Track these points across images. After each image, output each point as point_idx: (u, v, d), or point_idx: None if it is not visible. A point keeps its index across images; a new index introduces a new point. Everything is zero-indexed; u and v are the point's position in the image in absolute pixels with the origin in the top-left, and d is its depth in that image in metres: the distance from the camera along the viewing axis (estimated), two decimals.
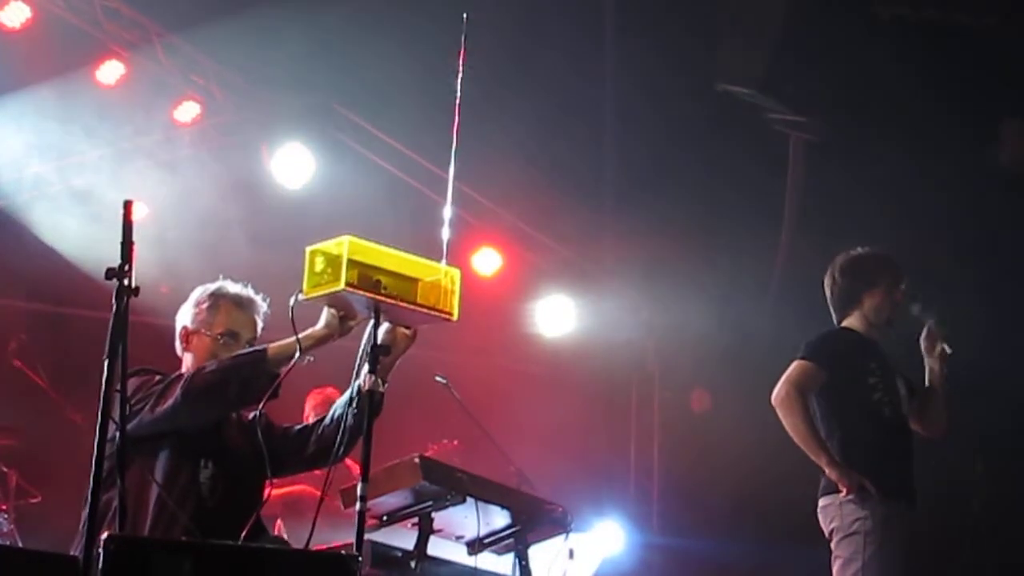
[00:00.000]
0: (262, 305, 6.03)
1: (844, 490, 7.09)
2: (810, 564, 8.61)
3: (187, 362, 5.93)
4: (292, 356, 5.33)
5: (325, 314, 5.39)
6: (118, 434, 5.15)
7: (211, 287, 6.01)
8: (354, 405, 5.43)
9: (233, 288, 6.00)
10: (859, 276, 7.55)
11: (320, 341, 5.39)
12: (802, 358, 7.35)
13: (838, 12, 9.75)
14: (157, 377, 5.62)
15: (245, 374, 5.42)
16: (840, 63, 9.87)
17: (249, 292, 6.06)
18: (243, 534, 5.32)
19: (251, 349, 5.63)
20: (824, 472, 7.20)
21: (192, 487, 5.61)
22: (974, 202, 10.20)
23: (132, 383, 5.53)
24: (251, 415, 5.69)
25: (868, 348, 7.41)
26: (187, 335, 5.96)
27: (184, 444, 5.65)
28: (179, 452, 5.64)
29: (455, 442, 10.46)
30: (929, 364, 7.55)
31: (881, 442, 7.23)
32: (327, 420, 5.80)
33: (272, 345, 5.50)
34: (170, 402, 5.46)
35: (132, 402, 5.45)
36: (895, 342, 7.60)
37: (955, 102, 9.81)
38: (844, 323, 7.55)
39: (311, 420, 6.24)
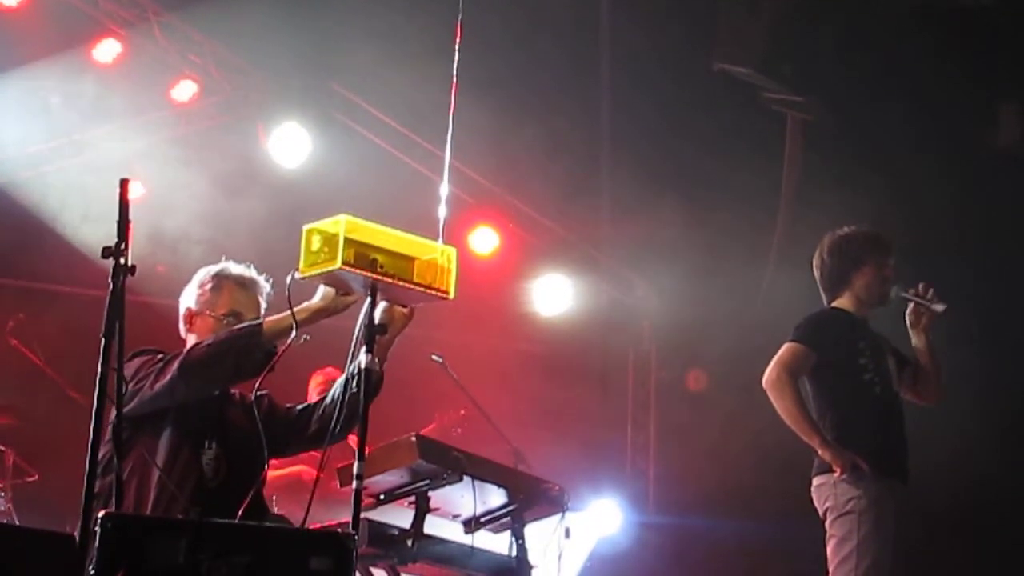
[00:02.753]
0: (265, 286, 6.07)
1: (837, 470, 7.12)
2: (805, 542, 8.64)
3: (191, 343, 5.94)
4: (288, 330, 5.35)
5: (321, 289, 5.41)
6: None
7: (214, 268, 6.04)
8: (352, 384, 5.44)
9: (236, 269, 6.02)
10: (847, 256, 7.59)
11: (316, 315, 5.42)
12: (792, 340, 7.41)
13: None
14: (159, 356, 5.65)
15: (241, 348, 5.46)
16: (838, 43, 9.87)
17: (252, 273, 6.10)
18: (242, 511, 5.34)
19: (247, 323, 5.66)
20: (817, 453, 7.24)
21: (194, 467, 5.64)
22: (972, 183, 10.21)
23: (135, 363, 5.59)
24: (253, 395, 5.71)
25: (857, 328, 7.44)
26: (191, 316, 5.98)
27: (187, 424, 5.68)
28: (181, 432, 5.67)
29: (461, 411, 10.44)
30: (914, 341, 7.56)
31: (873, 421, 7.26)
32: (327, 400, 5.83)
33: (268, 319, 5.53)
34: (168, 377, 5.49)
35: (134, 381, 5.51)
36: (883, 315, 7.62)
37: (953, 83, 9.81)
38: (835, 303, 7.58)
39: (313, 399, 6.24)
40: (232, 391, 6.00)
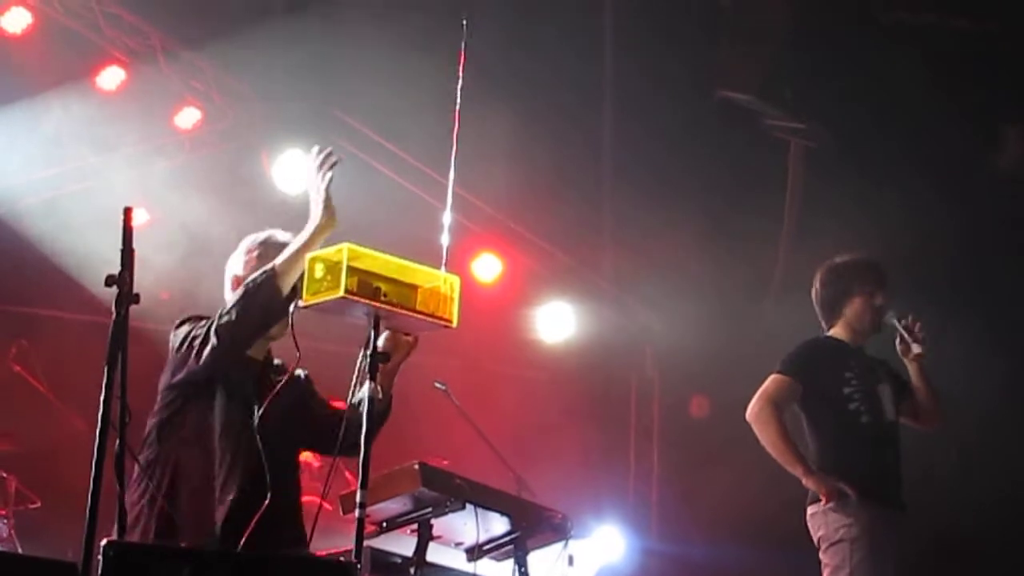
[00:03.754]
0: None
1: (823, 498, 7.19)
2: (808, 570, 8.62)
3: None
4: (299, 259, 5.37)
5: (315, 206, 5.47)
6: (155, 434, 5.51)
7: (261, 235, 5.99)
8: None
9: (283, 236, 5.93)
10: (839, 284, 7.66)
11: (319, 233, 5.45)
12: (777, 372, 7.50)
13: (838, 17, 9.76)
14: (203, 323, 5.62)
15: (262, 297, 5.45)
16: (840, 69, 9.88)
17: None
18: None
19: (259, 272, 5.58)
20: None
21: (247, 432, 5.55)
22: (975, 206, 10.21)
23: (182, 331, 5.65)
24: (300, 373, 5.81)
25: (846, 356, 7.50)
26: (238, 283, 5.93)
27: (238, 389, 5.65)
28: (233, 398, 5.65)
29: (444, 462, 10.41)
30: (908, 367, 7.59)
31: (860, 450, 7.30)
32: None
33: (277, 260, 5.52)
34: (208, 347, 5.49)
35: (183, 348, 5.57)
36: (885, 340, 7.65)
37: (955, 107, 9.82)
38: (830, 332, 7.63)
39: (314, 455, 6.23)
40: (276, 361, 5.96)
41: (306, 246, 5.43)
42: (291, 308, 5.27)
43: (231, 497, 5.50)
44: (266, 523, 5.33)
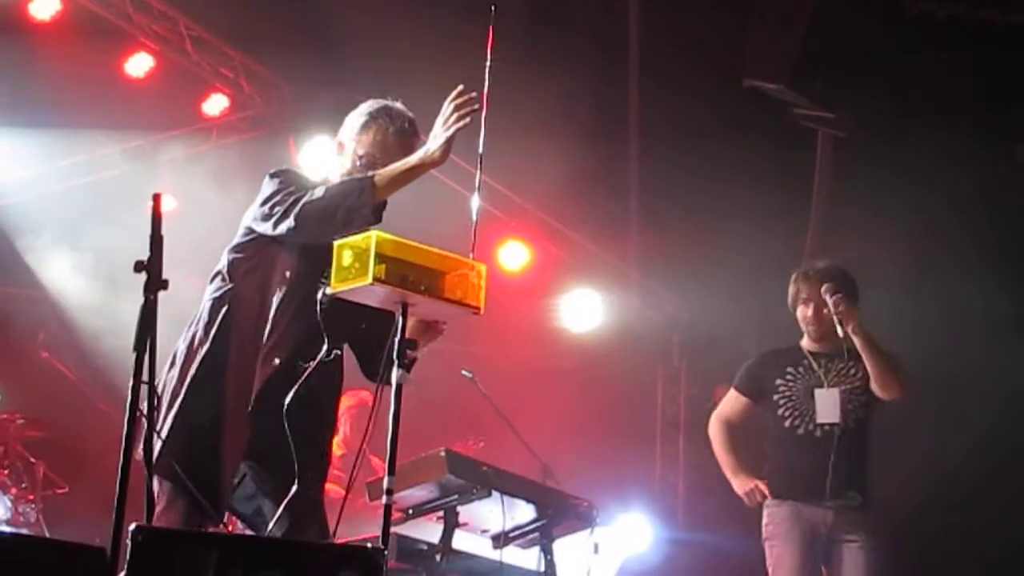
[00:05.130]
0: (420, 139, 5.86)
1: (743, 496, 8.03)
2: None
3: (332, 174, 5.92)
4: (399, 183, 5.46)
5: (435, 140, 5.42)
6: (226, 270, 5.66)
7: (375, 106, 5.96)
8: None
9: (393, 112, 5.92)
10: (790, 292, 8.19)
11: (428, 166, 5.47)
12: (732, 384, 8.27)
13: (866, 7, 9.71)
14: (291, 188, 5.65)
15: (351, 203, 5.45)
16: (868, 59, 9.84)
17: (406, 121, 5.95)
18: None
19: (359, 176, 5.60)
20: None
21: (309, 304, 5.50)
22: (1002, 199, 10.17)
23: (272, 184, 5.71)
24: None
25: (786, 363, 8.03)
26: (340, 147, 5.95)
27: (311, 257, 5.65)
28: (303, 264, 5.68)
29: (480, 443, 10.47)
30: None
31: (784, 453, 7.89)
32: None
33: (380, 172, 5.53)
34: (285, 224, 5.53)
35: (267, 205, 5.63)
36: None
37: (983, 98, 9.78)
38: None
39: (343, 423, 6.20)
40: None
41: (412, 171, 5.47)
42: (319, 296, 5.27)
43: (276, 362, 5.57)
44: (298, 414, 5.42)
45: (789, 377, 7.94)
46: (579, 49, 10.38)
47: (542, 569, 6.79)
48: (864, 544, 7.73)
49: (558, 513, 6.90)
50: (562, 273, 11.95)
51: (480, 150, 5.49)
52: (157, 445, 5.24)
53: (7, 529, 9.72)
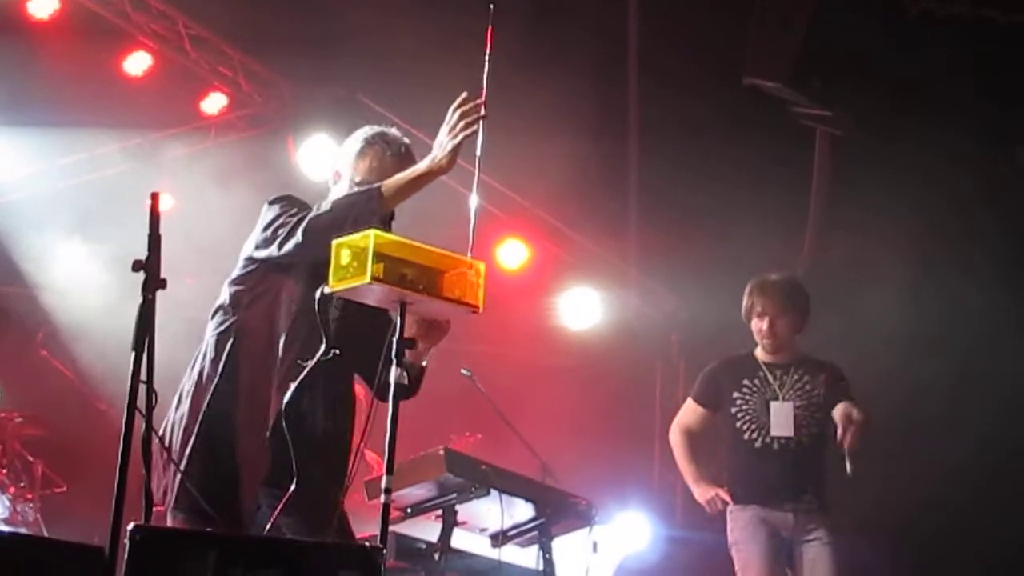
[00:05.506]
0: (416, 163, 5.79)
1: (704, 504, 8.21)
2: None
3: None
4: (406, 192, 5.45)
5: (441, 148, 5.43)
6: (229, 302, 5.57)
7: (369, 132, 5.96)
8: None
9: (388, 137, 5.92)
10: (744, 303, 8.34)
11: (436, 173, 5.48)
12: (690, 394, 8.51)
13: (866, 7, 9.70)
14: (294, 210, 5.60)
15: (358, 213, 5.41)
16: (868, 58, 9.83)
17: (401, 146, 5.94)
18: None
19: (365, 187, 5.58)
20: None
21: (318, 322, 5.42)
22: (1003, 199, 10.17)
23: (272, 211, 5.63)
24: None
25: (743, 375, 8.19)
26: (337, 176, 5.91)
27: (319, 277, 5.59)
28: (312, 285, 5.51)
29: (478, 435, 10.50)
30: None
31: (744, 462, 8.07)
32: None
33: (387, 182, 5.51)
34: (291, 242, 5.48)
35: (270, 229, 5.57)
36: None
37: (983, 98, 9.77)
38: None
39: None
40: None
41: (419, 179, 5.48)
42: (317, 295, 5.25)
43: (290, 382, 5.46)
44: (316, 439, 5.43)
45: (745, 390, 8.13)
46: (579, 47, 10.37)
47: (541, 568, 6.80)
48: (824, 539, 7.90)
49: (557, 511, 6.91)
50: (561, 271, 11.95)
51: (478, 149, 5.48)
52: (174, 480, 5.29)
53: (5, 528, 9.72)
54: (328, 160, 10.83)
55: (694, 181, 10.59)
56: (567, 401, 11.30)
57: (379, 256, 4.99)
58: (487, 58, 5.50)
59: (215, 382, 5.53)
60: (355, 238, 5.03)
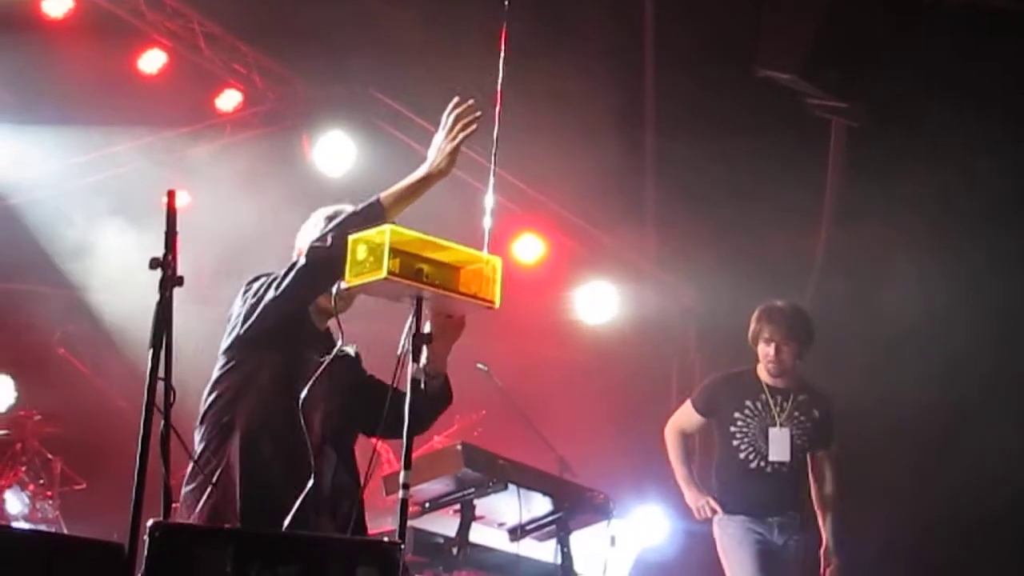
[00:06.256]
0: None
1: (694, 510, 8.56)
2: (853, 550, 8.63)
3: None
4: (408, 198, 5.42)
5: (439, 152, 5.43)
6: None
7: (330, 209, 5.86)
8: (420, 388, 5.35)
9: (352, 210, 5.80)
10: (754, 327, 8.57)
11: (435, 178, 5.45)
12: (690, 398, 8.81)
13: None
14: (274, 273, 5.52)
15: (358, 224, 5.30)
16: (881, 48, 9.81)
17: None
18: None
19: (364, 204, 5.49)
20: None
21: (292, 417, 5.39)
22: (1017, 189, 10.14)
23: (254, 286, 5.55)
24: (349, 350, 5.76)
25: (744, 396, 8.45)
26: (300, 255, 5.83)
27: (296, 356, 5.57)
28: (292, 362, 5.55)
29: (482, 411, 10.50)
30: None
31: (737, 479, 8.40)
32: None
33: (386, 192, 5.47)
34: (292, 274, 5.39)
35: (255, 296, 5.49)
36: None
37: (998, 86, 9.75)
38: (758, 366, 8.54)
39: None
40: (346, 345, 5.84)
41: (419, 185, 5.46)
42: (334, 290, 5.25)
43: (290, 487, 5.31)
44: (321, 504, 5.38)
45: (748, 412, 8.42)
46: (595, 40, 10.36)
47: (559, 562, 6.79)
48: (800, 540, 8.39)
49: (574, 506, 6.90)
50: (577, 265, 11.95)
51: (494, 145, 5.48)
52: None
53: (25, 525, 9.75)
54: (343, 156, 10.96)
55: (711, 173, 10.58)
56: (584, 395, 11.30)
57: (395, 251, 4.98)
58: (501, 58, 5.50)
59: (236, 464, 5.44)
60: (371, 233, 5.03)
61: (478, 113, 5.41)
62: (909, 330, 10.13)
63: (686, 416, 8.77)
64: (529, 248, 11.68)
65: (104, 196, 10.90)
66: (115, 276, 10.61)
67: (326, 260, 5.31)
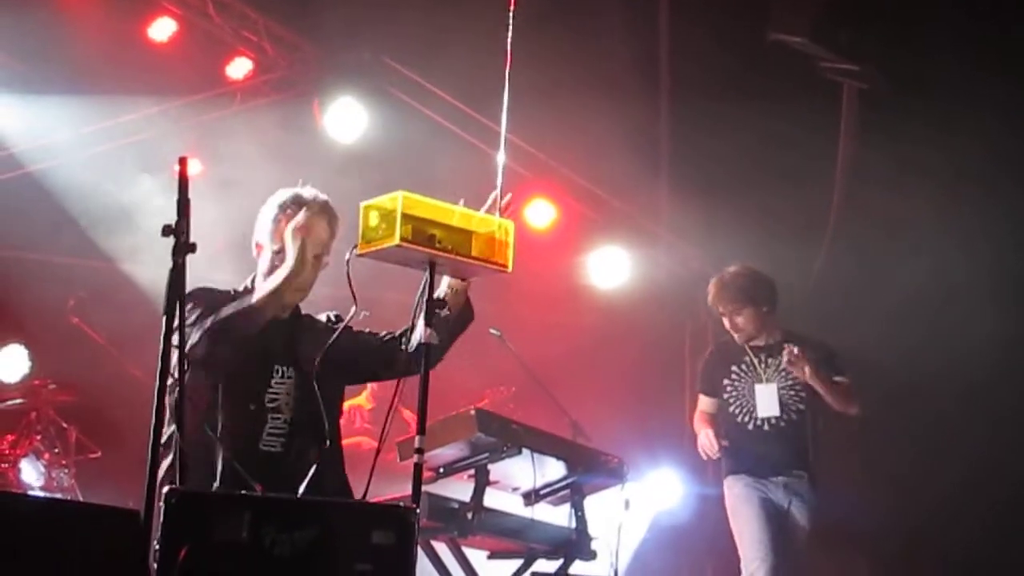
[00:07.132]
0: (336, 217, 5.85)
1: (699, 449, 8.68)
2: (864, 509, 8.65)
3: (257, 276, 5.83)
4: (277, 299, 5.51)
5: (291, 250, 5.50)
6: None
7: (284, 195, 5.87)
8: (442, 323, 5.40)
9: (308, 194, 5.84)
10: (709, 298, 8.95)
11: (294, 277, 5.51)
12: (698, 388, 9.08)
13: None
14: (197, 313, 5.53)
15: (245, 326, 5.48)
16: (893, 9, 9.78)
17: (316, 204, 5.84)
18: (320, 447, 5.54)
19: (244, 307, 5.54)
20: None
21: (262, 396, 5.59)
22: None
23: (188, 306, 5.41)
24: (326, 318, 5.83)
25: (729, 362, 8.74)
26: (258, 248, 5.85)
27: (255, 351, 5.62)
28: (250, 360, 5.61)
29: (512, 388, 10.52)
30: None
31: (736, 440, 8.55)
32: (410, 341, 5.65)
33: (256, 299, 5.54)
34: (201, 347, 5.43)
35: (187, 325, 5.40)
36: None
37: (1012, 46, 9.70)
38: (731, 330, 8.85)
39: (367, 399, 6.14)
40: (303, 315, 5.93)
41: (282, 286, 5.50)
42: (347, 256, 5.26)
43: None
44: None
45: (735, 376, 8.66)
46: (607, 5, 10.34)
47: (573, 525, 6.81)
48: (805, 503, 8.46)
49: (588, 470, 6.92)
50: (589, 230, 11.93)
51: (504, 110, 5.48)
52: None
53: (41, 494, 9.79)
54: (355, 123, 10.94)
55: (724, 137, 10.55)
56: (597, 360, 11.31)
57: (407, 218, 4.99)
58: (511, 18, 5.49)
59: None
60: (383, 200, 5.04)
61: (306, 219, 5.62)
62: (922, 294, 10.11)
63: (701, 404, 8.93)
64: (541, 213, 11.66)
65: (115, 164, 10.88)
66: (130, 244, 10.62)
67: (219, 337, 5.45)
